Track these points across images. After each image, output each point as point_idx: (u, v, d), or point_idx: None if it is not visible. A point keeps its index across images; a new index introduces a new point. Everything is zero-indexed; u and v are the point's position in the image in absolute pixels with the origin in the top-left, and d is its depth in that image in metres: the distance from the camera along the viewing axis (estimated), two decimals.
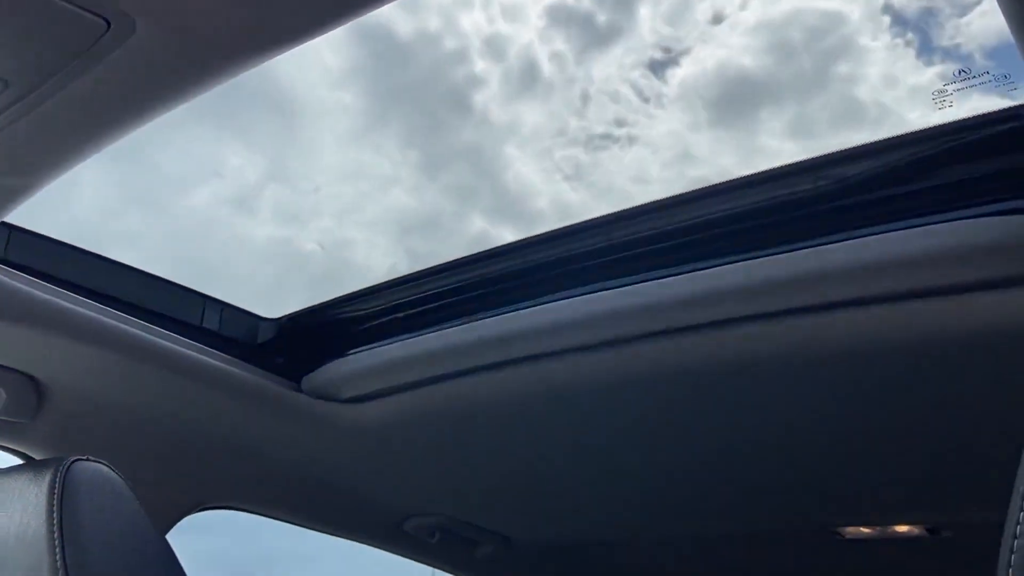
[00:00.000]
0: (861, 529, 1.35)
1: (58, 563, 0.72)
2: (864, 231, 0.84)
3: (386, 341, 1.09)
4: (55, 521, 0.73)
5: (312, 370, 1.11)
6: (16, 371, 0.99)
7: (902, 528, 1.27)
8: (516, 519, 1.55)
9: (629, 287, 0.95)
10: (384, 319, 1.09)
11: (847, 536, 1.39)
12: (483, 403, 1.11)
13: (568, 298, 0.99)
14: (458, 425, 1.19)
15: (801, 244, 0.86)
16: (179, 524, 1.22)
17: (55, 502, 0.74)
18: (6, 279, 0.90)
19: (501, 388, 1.07)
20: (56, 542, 0.73)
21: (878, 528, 1.32)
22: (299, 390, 1.13)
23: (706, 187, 0.94)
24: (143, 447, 1.13)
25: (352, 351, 1.10)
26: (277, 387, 1.11)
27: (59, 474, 0.75)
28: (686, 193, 0.95)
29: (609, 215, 0.99)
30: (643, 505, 1.45)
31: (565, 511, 1.52)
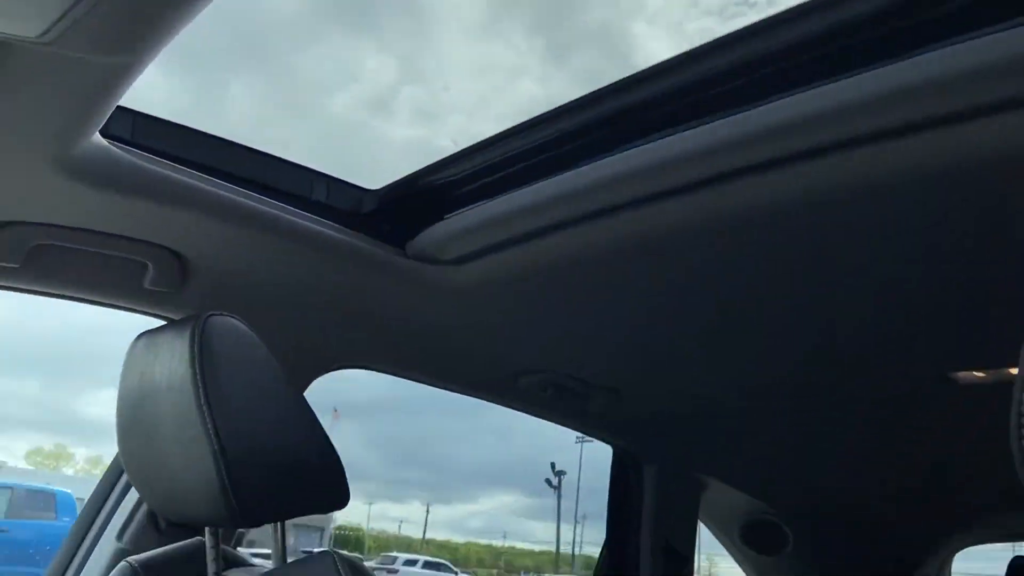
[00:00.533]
0: (974, 373, 1.33)
1: (202, 403, 0.84)
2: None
3: (483, 201, 1.12)
4: (196, 365, 0.85)
5: (414, 235, 1.19)
6: (160, 246, 1.12)
7: (1014, 371, 1.24)
8: (625, 372, 1.62)
9: (734, 117, 0.90)
10: (480, 180, 1.13)
11: (961, 382, 1.38)
12: (582, 256, 1.13)
13: (666, 137, 0.96)
14: (559, 280, 1.23)
15: None
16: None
17: (195, 349, 0.86)
18: (146, 164, 1.01)
19: (599, 238, 1.08)
20: (199, 384, 0.84)
21: (992, 371, 1.30)
22: (405, 255, 1.21)
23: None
24: (274, 312, 1.26)
25: (451, 214, 1.16)
26: (385, 253, 1.20)
27: (198, 326, 0.87)
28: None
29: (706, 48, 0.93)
30: (751, 355, 1.47)
31: (673, 363, 1.56)
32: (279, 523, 0.95)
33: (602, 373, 1.61)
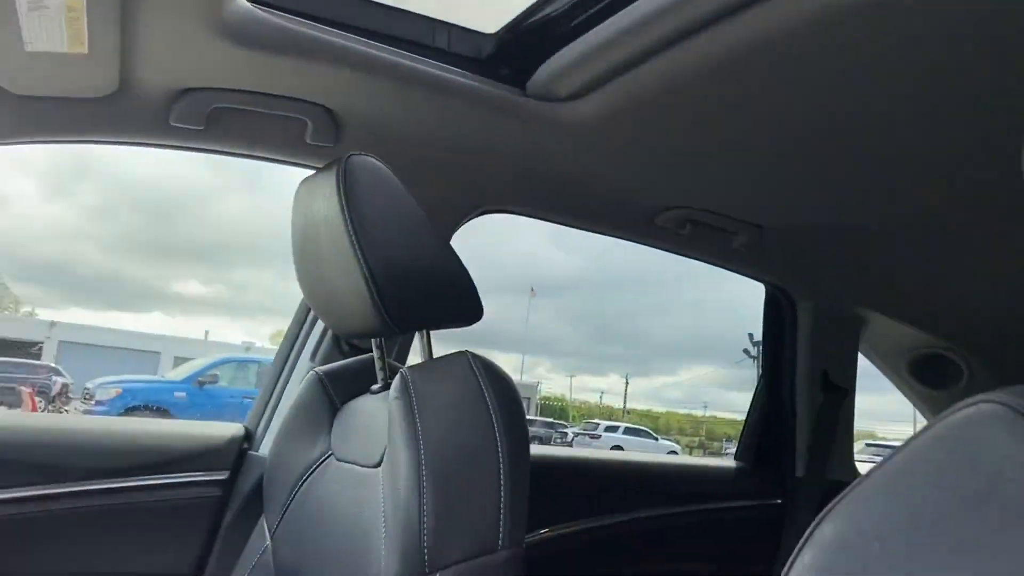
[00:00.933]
0: None
1: (351, 232, 0.99)
2: None
3: (596, 28, 1.12)
4: (342, 197, 1.00)
5: (532, 73, 1.25)
6: (314, 103, 1.27)
7: None
8: (767, 206, 1.61)
9: None
10: (588, 8, 1.14)
11: None
12: (704, 71, 1.08)
13: None
14: (684, 105, 1.21)
15: None
16: None
17: (340, 184, 1.00)
18: (288, 23, 1.11)
19: (719, 48, 1.03)
20: (346, 214, 0.99)
21: None
22: (526, 95, 1.28)
23: None
24: (416, 159, 1.39)
25: (564, 47, 1.18)
26: (509, 94, 1.28)
27: (341, 166, 1.01)
28: None
29: None
30: (903, 180, 1.41)
31: (818, 193, 1.52)
32: (425, 332, 1.11)
33: (742, 207, 1.60)
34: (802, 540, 0.49)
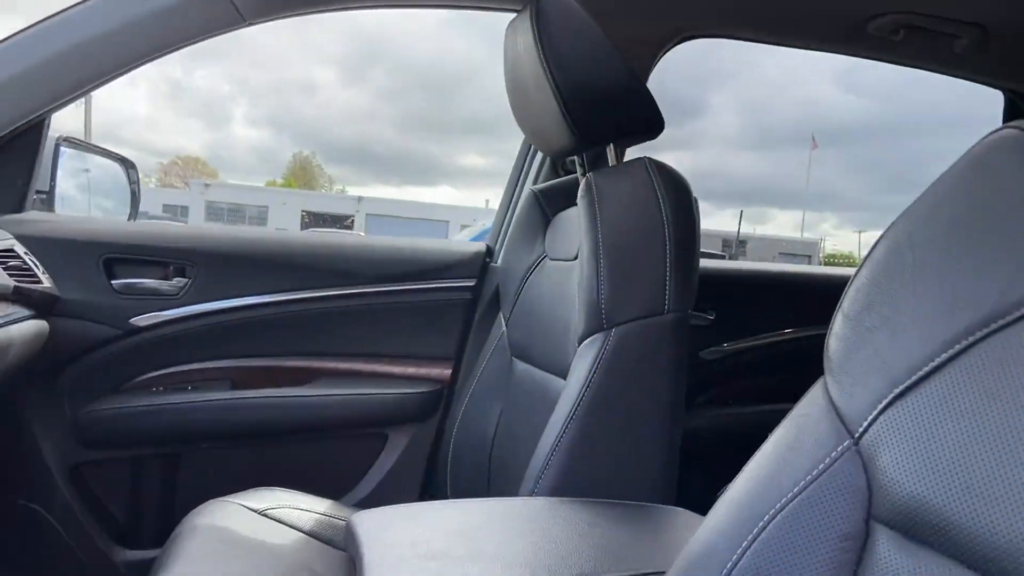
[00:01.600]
0: None
1: (544, 65, 1.17)
2: None
3: None
4: (536, 35, 1.18)
5: None
6: None
7: None
8: (988, 3, 1.51)
9: None
10: None
11: None
12: None
13: None
14: None
15: None
16: None
17: (534, 23, 1.18)
18: None
19: None
20: (540, 50, 1.17)
21: None
22: None
23: None
24: None
25: None
26: None
27: (534, 5, 1.19)
28: None
29: None
30: None
31: None
32: (613, 145, 1.29)
33: (960, 5, 1.52)
34: (862, 260, 0.63)
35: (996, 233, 0.54)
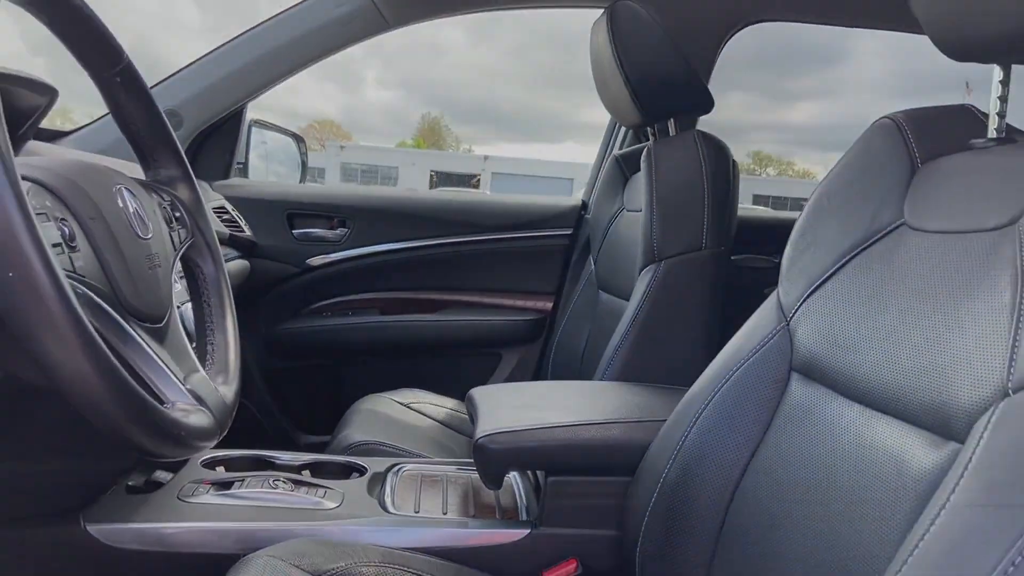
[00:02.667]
0: None
1: (619, 66, 1.51)
2: None
3: None
4: (610, 35, 1.52)
5: None
6: None
7: None
8: None
9: None
10: None
11: None
12: None
13: None
14: None
15: None
16: None
17: (609, 24, 1.53)
18: None
19: None
20: (612, 43, 1.52)
21: None
22: None
23: None
24: None
25: None
26: None
27: (609, 11, 1.53)
28: None
29: None
30: None
31: None
32: (672, 120, 1.62)
33: None
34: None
35: (870, 187, 0.87)
